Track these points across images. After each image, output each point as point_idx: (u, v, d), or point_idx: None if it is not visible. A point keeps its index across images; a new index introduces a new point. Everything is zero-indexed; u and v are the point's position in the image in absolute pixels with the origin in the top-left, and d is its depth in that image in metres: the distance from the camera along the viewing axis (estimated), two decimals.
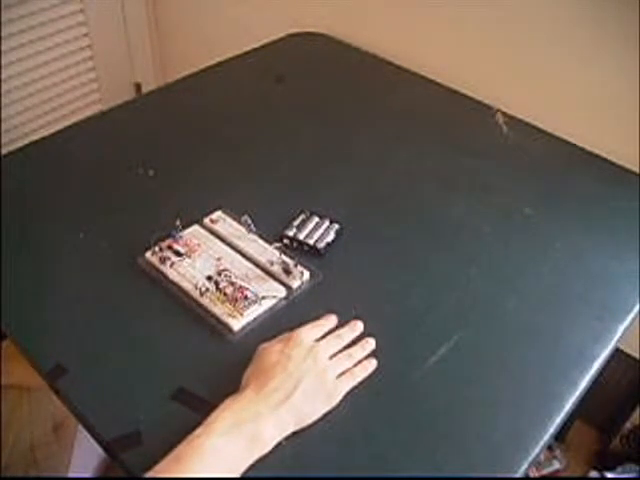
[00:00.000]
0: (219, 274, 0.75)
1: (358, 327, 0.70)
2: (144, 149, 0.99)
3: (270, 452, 0.58)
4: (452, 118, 1.11)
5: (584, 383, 0.68)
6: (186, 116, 1.08)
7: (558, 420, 0.64)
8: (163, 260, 0.76)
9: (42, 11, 1.49)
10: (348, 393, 0.64)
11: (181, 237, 0.79)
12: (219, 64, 1.21)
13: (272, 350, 0.64)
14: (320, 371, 0.63)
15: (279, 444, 0.59)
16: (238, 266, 0.77)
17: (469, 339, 0.71)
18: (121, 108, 1.09)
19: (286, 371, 0.61)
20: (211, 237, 0.81)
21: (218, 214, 0.84)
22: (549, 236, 0.86)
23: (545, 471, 1.35)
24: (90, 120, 1.10)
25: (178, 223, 0.79)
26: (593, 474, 1.32)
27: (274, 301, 0.73)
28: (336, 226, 0.83)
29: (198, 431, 0.56)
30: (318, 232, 0.82)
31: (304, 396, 0.61)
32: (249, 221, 0.80)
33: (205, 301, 0.72)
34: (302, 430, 0.61)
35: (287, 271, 0.76)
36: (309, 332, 0.67)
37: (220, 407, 0.58)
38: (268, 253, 0.78)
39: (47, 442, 0.88)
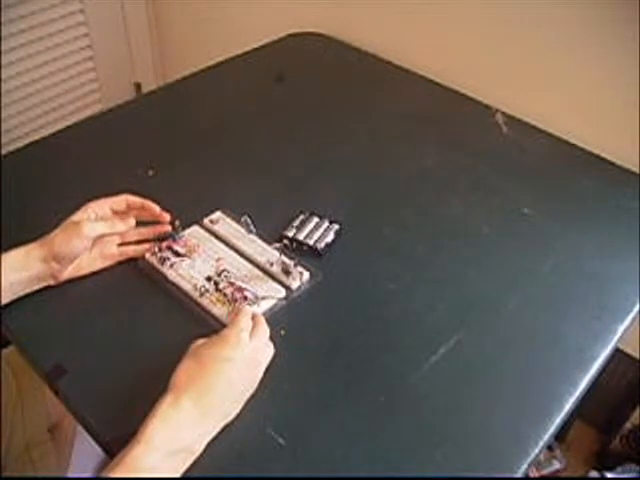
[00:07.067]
0: (218, 275, 0.75)
1: None
2: (144, 149, 0.99)
3: (271, 452, 0.58)
4: (452, 118, 1.11)
5: (584, 383, 0.68)
6: (186, 116, 1.08)
7: (558, 420, 0.64)
8: (162, 260, 0.76)
9: (42, 11, 1.49)
10: (348, 394, 0.65)
11: (180, 237, 0.79)
12: (219, 64, 1.21)
13: (212, 352, 0.60)
14: (263, 365, 0.63)
15: (281, 445, 0.59)
16: (237, 267, 0.77)
17: (469, 339, 0.71)
18: (121, 108, 1.09)
19: (229, 381, 0.58)
20: (211, 237, 0.81)
21: (218, 214, 0.84)
22: (549, 236, 0.86)
23: (545, 471, 1.35)
24: (90, 120, 1.10)
25: (178, 223, 0.79)
26: (593, 474, 1.32)
27: (273, 302, 0.73)
28: (336, 226, 0.83)
29: (136, 448, 0.52)
30: (318, 232, 0.82)
31: (243, 401, 0.60)
32: (249, 221, 0.80)
33: (204, 302, 0.72)
34: (302, 430, 0.61)
35: (287, 271, 0.76)
36: (244, 327, 0.62)
37: (157, 416, 0.54)
38: (268, 253, 0.78)
39: (42, 441, 0.88)
